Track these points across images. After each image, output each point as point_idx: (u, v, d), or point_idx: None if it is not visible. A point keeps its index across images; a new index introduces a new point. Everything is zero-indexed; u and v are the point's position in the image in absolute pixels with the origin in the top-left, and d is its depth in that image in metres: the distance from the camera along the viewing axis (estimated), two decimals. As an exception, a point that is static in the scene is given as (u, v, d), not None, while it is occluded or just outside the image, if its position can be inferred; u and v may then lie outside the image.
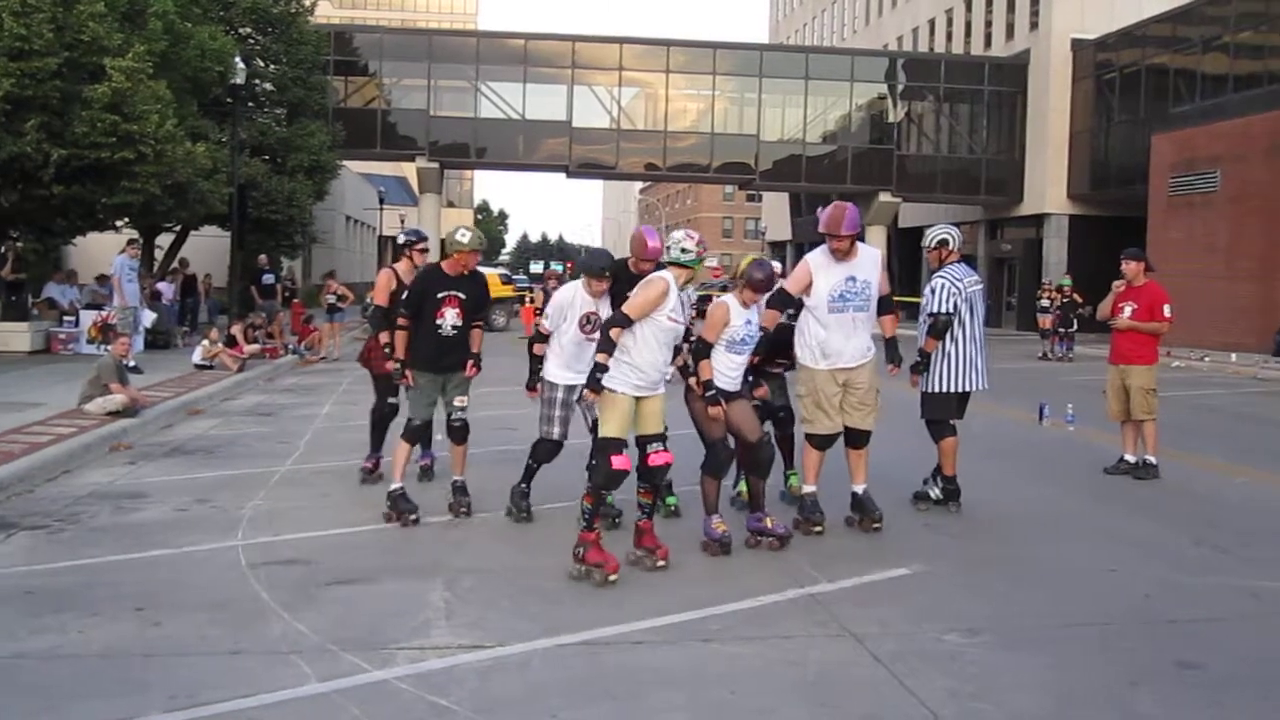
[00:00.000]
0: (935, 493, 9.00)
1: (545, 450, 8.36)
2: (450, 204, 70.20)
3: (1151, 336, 10.94)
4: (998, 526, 8.61)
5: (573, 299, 8.07)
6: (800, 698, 5.02)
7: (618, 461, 6.87)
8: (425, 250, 9.88)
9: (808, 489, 8.21)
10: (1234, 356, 27.61)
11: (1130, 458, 10.94)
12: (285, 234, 33.90)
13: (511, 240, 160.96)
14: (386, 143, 44.04)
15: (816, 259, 8.15)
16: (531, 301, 33.56)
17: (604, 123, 45.40)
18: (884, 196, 45.89)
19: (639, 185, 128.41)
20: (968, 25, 51.03)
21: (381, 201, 57.67)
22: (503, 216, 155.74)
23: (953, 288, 8.81)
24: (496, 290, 35.60)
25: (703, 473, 7.64)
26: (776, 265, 8.13)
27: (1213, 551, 7.91)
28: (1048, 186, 43.78)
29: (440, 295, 8.43)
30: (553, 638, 5.69)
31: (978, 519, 8.71)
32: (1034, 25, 45.13)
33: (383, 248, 68.14)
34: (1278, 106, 30.65)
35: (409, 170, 53.86)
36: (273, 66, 33.62)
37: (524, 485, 8.47)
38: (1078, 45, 43.17)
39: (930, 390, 8.92)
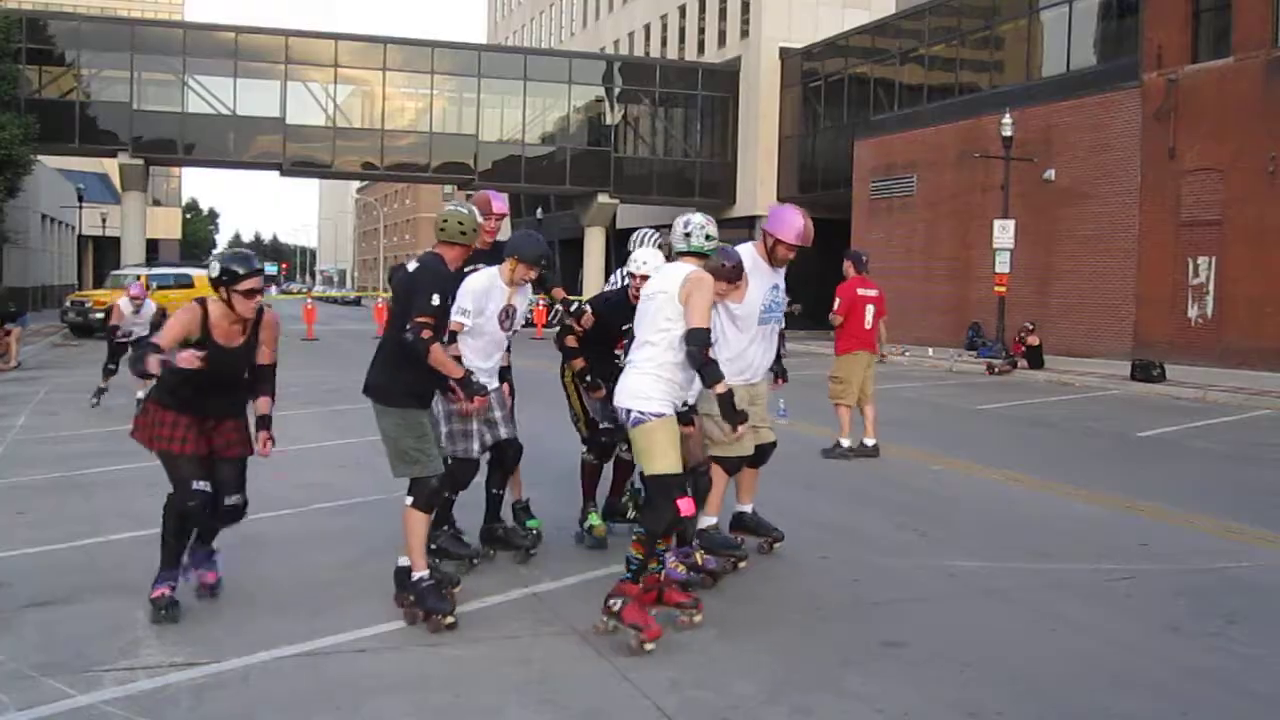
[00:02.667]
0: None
1: (465, 471, 7.00)
2: (157, 202, 67.08)
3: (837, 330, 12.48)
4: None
5: (489, 288, 6.88)
6: (526, 696, 5.03)
7: (685, 506, 5.81)
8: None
9: (712, 520, 7.21)
10: (931, 351, 29.24)
11: (845, 442, 12.02)
12: (-27, 233, 31.78)
13: (223, 240, 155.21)
14: (86, 137, 41.56)
15: (751, 262, 7.01)
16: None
17: (319, 120, 44.25)
18: (602, 198, 46.58)
19: (356, 184, 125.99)
20: (682, 31, 52.28)
21: (81, 199, 54.64)
22: (213, 215, 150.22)
23: None
24: (208, 292, 34.38)
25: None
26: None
27: (914, 535, 8.36)
28: (759, 189, 45.29)
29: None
30: (271, 650, 5.51)
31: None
32: (744, 34, 46.61)
33: (82, 247, 64.65)
34: (968, 116, 32.63)
35: (110, 166, 51.27)
36: (-45, 52, 31.40)
37: (448, 527, 7.19)
38: (786, 54, 44.85)
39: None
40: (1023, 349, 25.75)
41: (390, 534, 6.92)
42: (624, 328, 7.41)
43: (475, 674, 5.29)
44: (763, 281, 7.06)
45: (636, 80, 48.42)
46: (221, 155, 43.72)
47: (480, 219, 6.54)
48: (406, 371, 6.02)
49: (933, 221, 33.59)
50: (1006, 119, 27.57)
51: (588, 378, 7.54)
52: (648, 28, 55.19)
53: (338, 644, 5.64)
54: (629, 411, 5.85)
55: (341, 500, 9.16)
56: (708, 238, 6.15)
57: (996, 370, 24.81)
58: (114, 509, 8.73)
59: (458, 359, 6.56)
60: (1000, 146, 27.94)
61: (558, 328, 7.94)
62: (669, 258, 6.64)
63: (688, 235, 6.15)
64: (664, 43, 53.83)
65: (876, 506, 9.49)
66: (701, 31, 50.55)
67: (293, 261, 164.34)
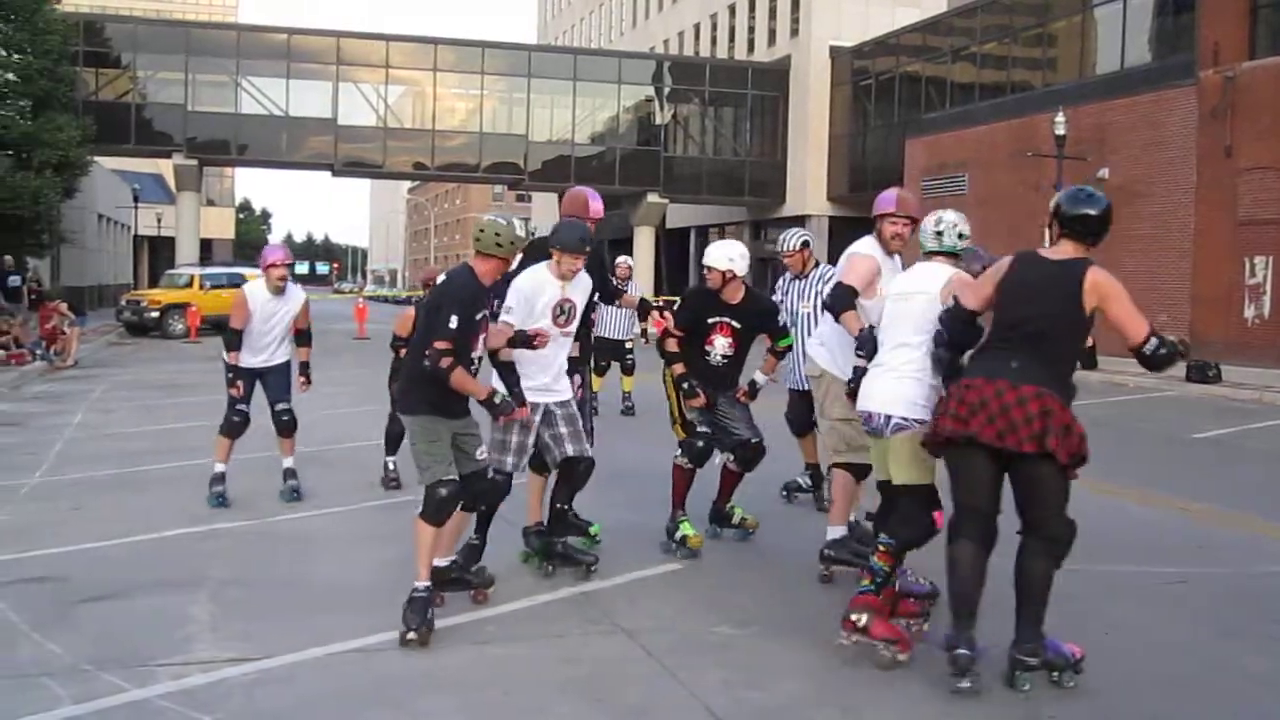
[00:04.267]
0: (805, 481, 9.25)
1: (496, 489, 6.47)
2: (210, 202, 67.74)
3: None
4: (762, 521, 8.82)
5: (538, 285, 6.53)
6: (574, 695, 5.05)
7: (942, 519, 5.53)
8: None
9: (842, 530, 6.97)
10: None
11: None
12: (32, 233, 32.24)
13: (275, 240, 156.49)
14: (141, 138, 42.12)
15: (878, 255, 6.76)
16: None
17: (370, 121, 44.58)
18: (651, 197, 46.57)
19: (407, 185, 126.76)
20: (731, 30, 52.19)
21: (136, 199, 55.31)
22: (265, 216, 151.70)
23: None
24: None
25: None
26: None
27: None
28: (809, 188, 45.16)
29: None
30: (323, 646, 5.56)
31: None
32: (794, 32, 46.47)
33: (138, 247, 65.43)
34: (1020, 115, 32.37)
35: (165, 167, 51.85)
36: (16, 56, 31.84)
37: (476, 537, 6.75)
38: (836, 53, 44.69)
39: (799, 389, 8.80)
40: (1076, 349, 25.47)
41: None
42: (709, 321, 7.47)
43: (523, 672, 5.32)
44: (887, 274, 6.71)
45: (686, 80, 48.39)
46: (274, 155, 44.17)
47: (586, 226, 6.72)
48: (425, 384, 5.84)
49: (985, 221, 33.13)
50: (1059, 117, 27.33)
51: (685, 384, 7.39)
52: (697, 27, 55.13)
53: (387, 641, 5.67)
54: (889, 418, 5.61)
55: (395, 498, 9.20)
56: (960, 236, 5.85)
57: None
58: (168, 505, 8.83)
59: (509, 365, 6.41)
60: (1053, 145, 27.71)
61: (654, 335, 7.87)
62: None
63: (939, 234, 5.85)
64: (714, 42, 53.75)
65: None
66: (751, 30, 50.44)
67: (344, 261, 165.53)
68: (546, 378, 6.65)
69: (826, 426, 7.09)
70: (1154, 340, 5.20)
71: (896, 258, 6.84)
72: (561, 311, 6.59)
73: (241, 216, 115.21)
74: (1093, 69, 31.69)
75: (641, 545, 7.63)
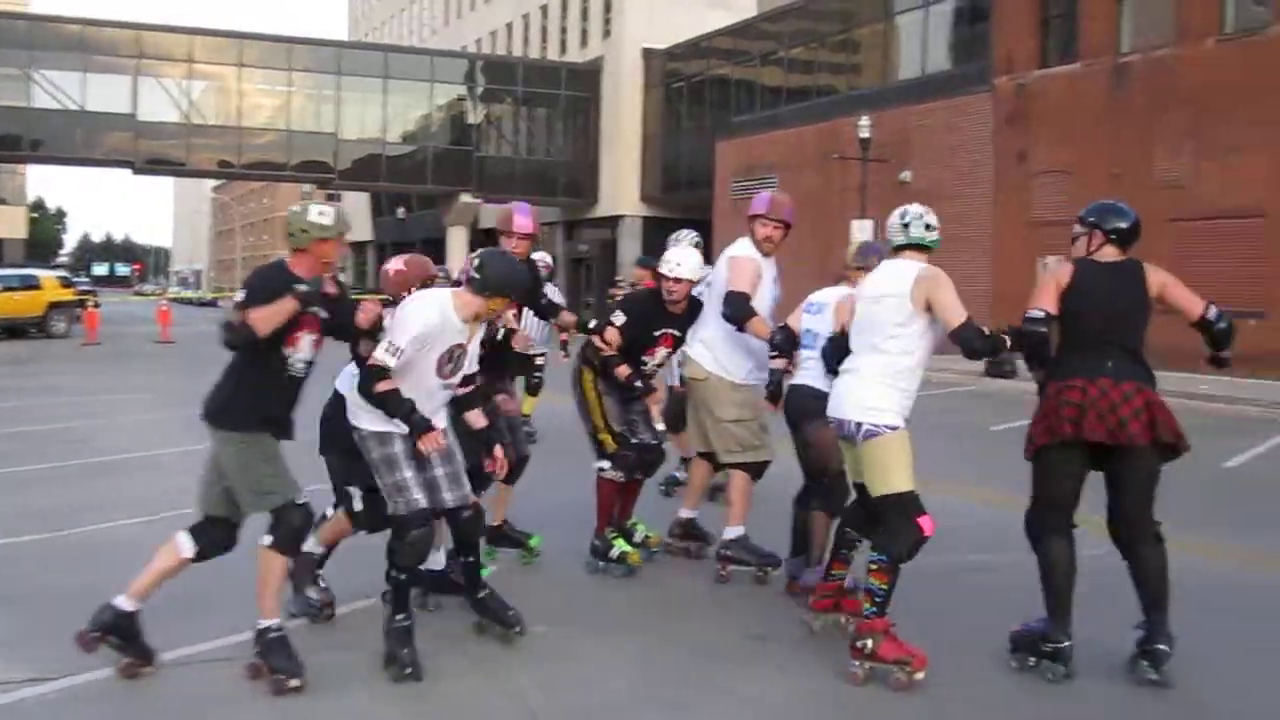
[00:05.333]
0: (681, 475, 9.28)
1: (419, 525, 5.32)
2: (1, 201, 64.59)
3: None
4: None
5: (442, 325, 5.24)
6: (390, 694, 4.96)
7: (927, 524, 5.34)
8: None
9: (739, 531, 6.94)
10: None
11: None
12: None
13: (71, 240, 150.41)
14: (-77, 133, 39.95)
15: (755, 255, 6.89)
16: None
17: (173, 117, 43.01)
18: (465, 197, 46.20)
19: (212, 183, 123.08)
20: (544, 30, 52.14)
21: (-82, 196, 52.44)
22: (60, 215, 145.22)
23: None
24: (56, 294, 33.33)
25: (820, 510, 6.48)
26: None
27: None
28: (622, 189, 45.44)
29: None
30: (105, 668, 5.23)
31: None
32: (607, 34, 46.67)
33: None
34: (826, 118, 33.17)
35: (-50, 163, 49.32)
36: None
37: (410, 603, 5.47)
38: (648, 54, 45.05)
39: None
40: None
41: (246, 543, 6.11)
42: (655, 333, 7.05)
43: (324, 681, 5.17)
44: (766, 275, 6.80)
45: (499, 79, 48.15)
46: (69, 152, 42.18)
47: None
48: (252, 391, 5.10)
49: (795, 221, 33.95)
50: (864, 121, 28.11)
51: (638, 384, 6.90)
52: (509, 26, 54.92)
53: (189, 655, 5.44)
54: (859, 425, 5.39)
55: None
56: (928, 227, 5.54)
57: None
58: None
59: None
60: (858, 148, 28.47)
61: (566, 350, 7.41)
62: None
63: (906, 226, 5.55)
64: (526, 42, 53.62)
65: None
66: (564, 31, 50.49)
67: (147, 262, 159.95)
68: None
69: (717, 428, 6.91)
70: (1214, 310, 5.40)
71: (771, 259, 6.89)
72: (450, 359, 5.38)
73: (35, 216, 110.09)
74: (896, 74, 32.67)
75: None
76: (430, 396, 5.36)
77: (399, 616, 5.29)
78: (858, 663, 5.23)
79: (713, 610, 6.43)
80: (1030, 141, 26.69)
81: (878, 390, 5.40)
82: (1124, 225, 5.46)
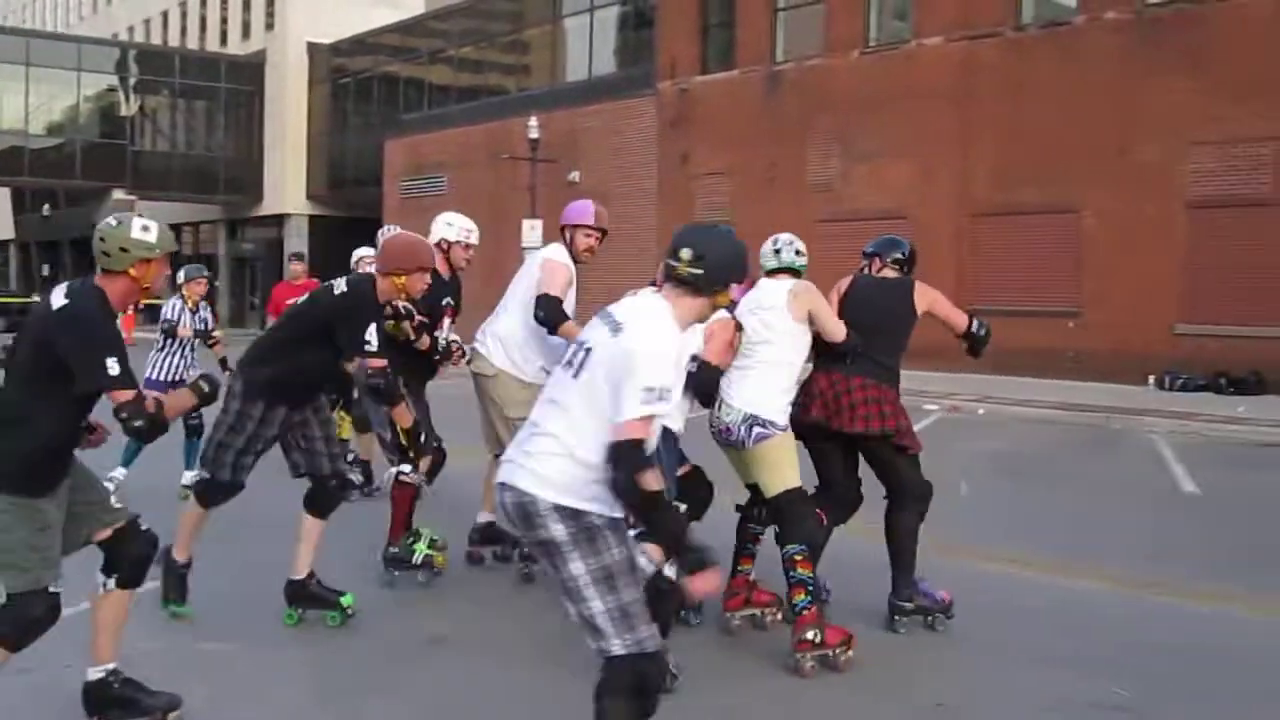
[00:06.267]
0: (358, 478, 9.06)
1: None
2: None
3: None
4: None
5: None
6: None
7: (822, 514, 5.80)
8: None
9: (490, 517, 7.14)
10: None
11: None
12: None
13: None
14: None
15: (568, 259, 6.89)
16: None
17: None
18: (118, 194, 43.53)
19: None
20: (203, 20, 50.06)
21: None
22: None
23: None
24: None
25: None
26: None
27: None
28: (287, 187, 44.05)
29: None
30: None
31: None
32: (270, 26, 45.18)
33: None
34: (496, 118, 33.16)
35: None
36: None
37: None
38: (313, 49, 43.85)
39: None
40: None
41: None
42: (444, 302, 7.11)
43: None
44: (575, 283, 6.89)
45: (154, 70, 45.77)
46: None
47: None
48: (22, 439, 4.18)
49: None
50: (533, 122, 28.29)
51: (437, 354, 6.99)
52: (165, 15, 52.37)
53: None
54: (750, 429, 5.62)
55: None
56: (798, 253, 5.96)
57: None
58: None
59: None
60: (527, 148, 28.61)
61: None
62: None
63: (777, 252, 5.96)
64: (184, 31, 51.29)
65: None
66: (224, 22, 48.59)
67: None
68: None
69: (509, 427, 6.46)
70: (975, 322, 6.15)
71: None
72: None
73: None
74: (564, 76, 33.04)
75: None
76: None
77: None
78: (803, 654, 5.33)
79: (390, 612, 6.18)
80: (692, 144, 27.51)
81: (766, 393, 5.69)
82: (899, 255, 6.20)
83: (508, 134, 31.63)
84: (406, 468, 6.77)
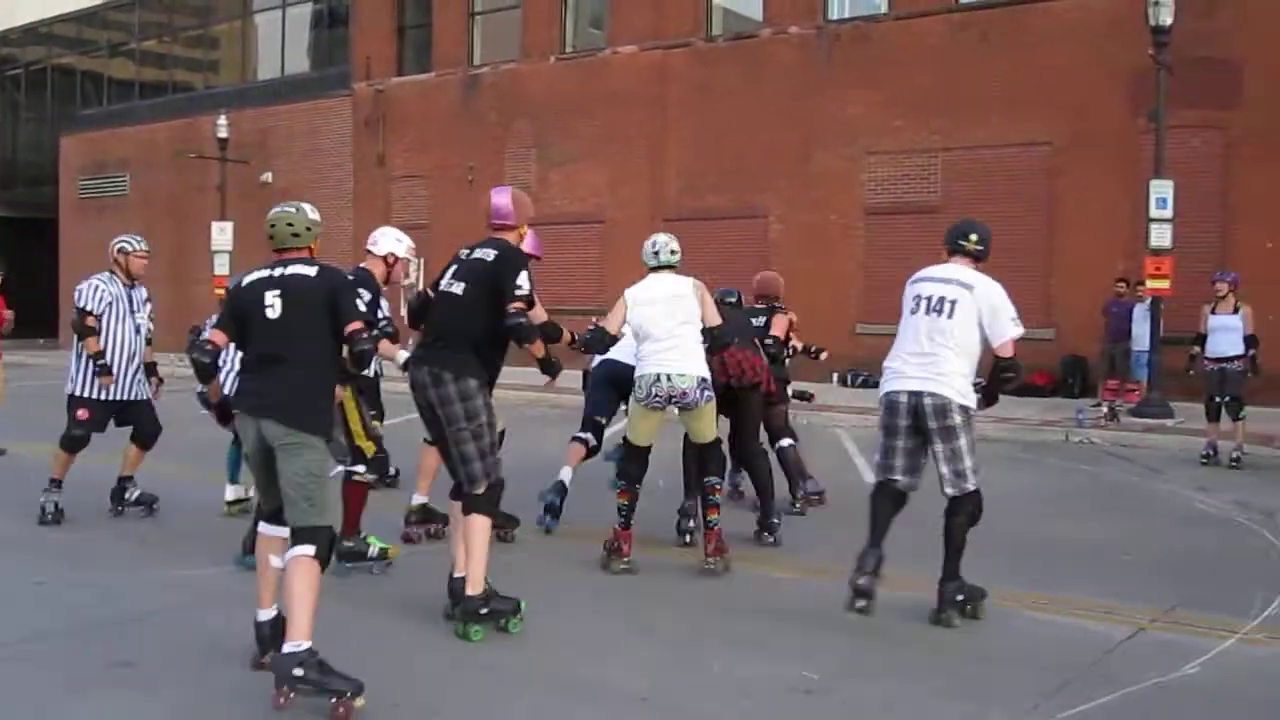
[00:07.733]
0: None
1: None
2: None
3: None
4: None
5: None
6: None
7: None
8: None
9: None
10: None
11: None
12: None
13: None
14: None
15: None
16: None
17: None
18: None
19: None
20: None
21: None
22: None
23: None
24: None
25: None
26: None
27: (139, 546, 7.86)
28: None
29: None
30: None
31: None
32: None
33: None
34: (183, 115, 31.84)
35: None
36: None
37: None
38: (-21, 37, 41.00)
39: None
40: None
41: None
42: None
43: None
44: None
45: None
46: None
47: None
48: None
49: (150, 223, 32.13)
50: (221, 120, 27.24)
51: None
52: None
53: None
54: (703, 391, 7.12)
55: None
56: (672, 252, 7.39)
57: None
58: None
59: None
60: (216, 147, 27.57)
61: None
62: None
63: (656, 253, 7.37)
64: None
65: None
66: None
67: None
68: None
69: None
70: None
71: None
72: None
73: None
74: (255, 74, 32.04)
75: None
76: None
77: None
78: (719, 559, 7.05)
79: (74, 641, 5.80)
80: (389, 146, 27.20)
81: (699, 364, 7.11)
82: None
83: (195, 132, 30.43)
84: (361, 467, 7.06)
